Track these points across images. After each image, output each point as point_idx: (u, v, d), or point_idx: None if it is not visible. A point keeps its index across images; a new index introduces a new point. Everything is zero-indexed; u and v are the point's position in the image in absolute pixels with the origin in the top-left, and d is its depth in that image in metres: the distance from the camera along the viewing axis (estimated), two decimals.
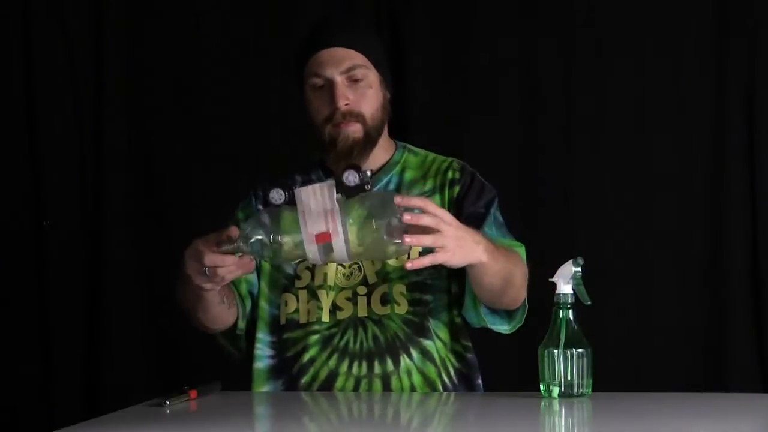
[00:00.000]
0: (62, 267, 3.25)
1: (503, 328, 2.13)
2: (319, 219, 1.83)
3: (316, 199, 1.83)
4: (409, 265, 1.86)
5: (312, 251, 1.84)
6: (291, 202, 1.86)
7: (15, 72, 3.26)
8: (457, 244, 1.85)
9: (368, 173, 1.89)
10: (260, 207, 2.19)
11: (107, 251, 3.24)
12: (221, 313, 2.12)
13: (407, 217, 1.81)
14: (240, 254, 1.89)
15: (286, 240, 1.85)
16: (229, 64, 3.24)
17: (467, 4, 3.19)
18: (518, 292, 2.06)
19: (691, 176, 3.11)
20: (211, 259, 1.89)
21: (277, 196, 1.86)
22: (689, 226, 3.10)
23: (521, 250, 2.10)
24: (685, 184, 3.11)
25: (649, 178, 3.12)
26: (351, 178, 1.87)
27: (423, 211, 1.84)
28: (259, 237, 1.85)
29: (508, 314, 2.11)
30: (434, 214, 1.84)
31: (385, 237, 1.82)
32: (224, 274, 1.91)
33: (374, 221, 1.83)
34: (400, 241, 1.82)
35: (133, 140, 3.27)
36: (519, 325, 2.12)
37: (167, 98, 3.26)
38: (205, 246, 1.90)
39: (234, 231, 1.88)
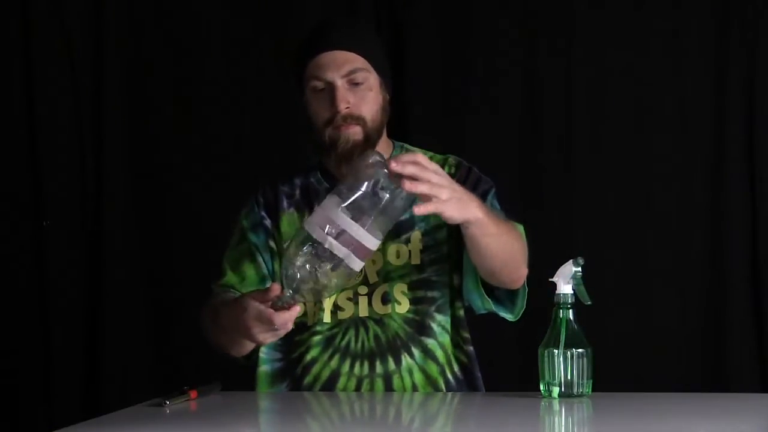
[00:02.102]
0: (62, 267, 3.25)
1: (508, 315, 2.12)
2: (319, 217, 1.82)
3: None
4: (416, 210, 1.80)
5: (325, 239, 1.81)
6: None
7: (15, 72, 3.26)
8: (453, 196, 1.82)
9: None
10: (263, 214, 2.20)
11: (107, 251, 3.24)
12: (250, 346, 2.12)
13: (407, 185, 1.78)
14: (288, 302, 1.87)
15: (330, 278, 1.84)
16: (229, 65, 3.25)
17: (467, 4, 3.19)
18: (518, 267, 2.03)
19: (691, 176, 3.11)
20: (282, 318, 1.85)
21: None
22: (689, 226, 3.11)
23: (520, 228, 2.09)
24: (685, 184, 3.11)
25: (649, 178, 3.12)
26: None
27: (420, 164, 1.79)
28: (305, 286, 1.84)
29: (510, 299, 2.10)
30: (427, 177, 1.79)
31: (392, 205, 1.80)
32: (289, 327, 1.89)
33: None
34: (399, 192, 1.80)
35: (133, 140, 3.27)
36: (522, 310, 2.10)
37: (167, 98, 3.26)
38: (263, 311, 1.86)
39: (276, 289, 1.86)
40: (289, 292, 1.84)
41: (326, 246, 1.80)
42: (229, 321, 1.98)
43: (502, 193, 2.21)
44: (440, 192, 1.80)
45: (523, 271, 2.05)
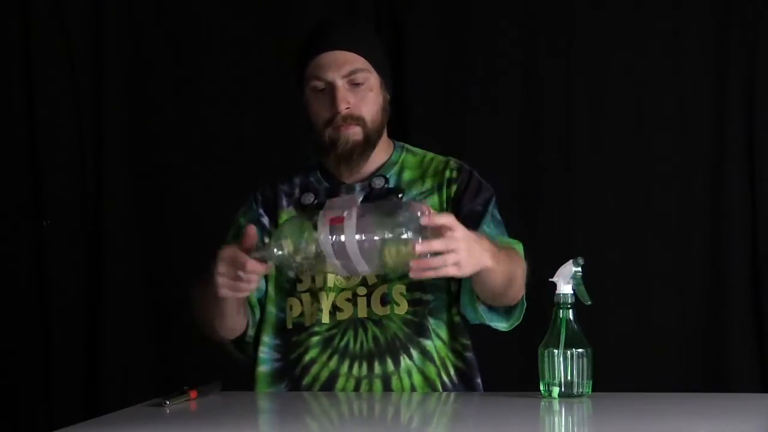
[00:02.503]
0: (62, 267, 3.25)
1: (501, 325, 2.12)
2: (337, 209, 1.85)
3: (342, 199, 1.87)
4: (413, 274, 1.86)
5: (325, 244, 1.84)
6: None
7: (15, 72, 3.26)
8: (468, 260, 1.86)
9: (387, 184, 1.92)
10: (261, 211, 2.20)
11: (107, 251, 3.24)
12: (236, 322, 2.13)
13: (420, 247, 1.82)
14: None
15: (310, 249, 1.86)
16: (229, 65, 3.25)
17: (467, 4, 3.19)
18: (518, 290, 2.06)
19: (691, 176, 3.11)
20: (252, 265, 1.90)
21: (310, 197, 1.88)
22: (689, 226, 3.11)
23: (519, 247, 2.10)
24: (685, 184, 3.11)
25: (649, 178, 3.12)
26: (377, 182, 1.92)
27: (445, 227, 1.84)
28: (285, 249, 1.87)
29: (505, 311, 2.11)
30: (450, 228, 1.84)
31: (401, 246, 1.83)
32: (251, 284, 1.93)
33: (395, 228, 1.84)
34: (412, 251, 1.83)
35: (133, 140, 3.27)
36: (517, 322, 2.12)
37: (167, 98, 3.26)
38: (238, 253, 1.91)
39: (252, 231, 1.91)
40: (266, 250, 1.87)
41: (322, 247, 1.83)
42: (206, 284, 1.99)
43: (502, 193, 2.21)
44: (459, 258, 1.84)
45: (522, 291, 2.07)
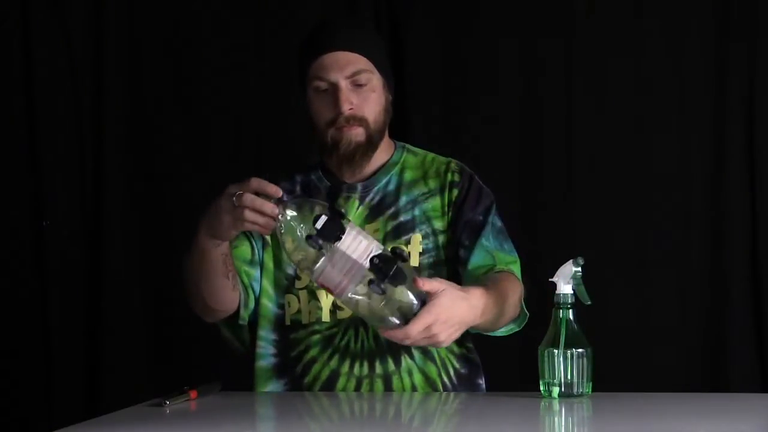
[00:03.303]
0: (62, 267, 3.25)
1: (499, 332, 2.13)
2: (336, 275, 1.86)
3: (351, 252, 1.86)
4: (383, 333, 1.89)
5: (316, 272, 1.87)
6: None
7: (15, 72, 3.26)
8: (446, 336, 1.88)
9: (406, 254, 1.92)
10: None
11: (107, 251, 3.24)
12: (224, 287, 2.09)
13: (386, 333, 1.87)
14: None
15: (309, 251, 1.87)
16: (230, 64, 3.24)
17: (467, 4, 3.19)
18: (512, 315, 2.08)
19: (691, 176, 3.11)
20: (250, 198, 1.88)
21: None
22: (689, 226, 3.11)
23: (516, 267, 2.11)
24: (685, 184, 3.11)
25: (649, 178, 3.12)
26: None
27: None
28: (296, 220, 1.87)
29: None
30: (427, 319, 1.85)
31: (392, 311, 1.86)
32: (252, 219, 1.89)
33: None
34: (396, 321, 1.86)
35: (134, 140, 3.27)
36: (517, 329, 2.13)
37: (168, 98, 3.26)
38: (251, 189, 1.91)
39: (275, 189, 1.89)
40: (282, 215, 1.87)
41: (326, 252, 1.84)
42: (195, 245, 2.00)
43: (503, 193, 2.21)
44: (440, 339, 1.87)
45: (516, 312, 2.09)
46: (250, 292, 2.17)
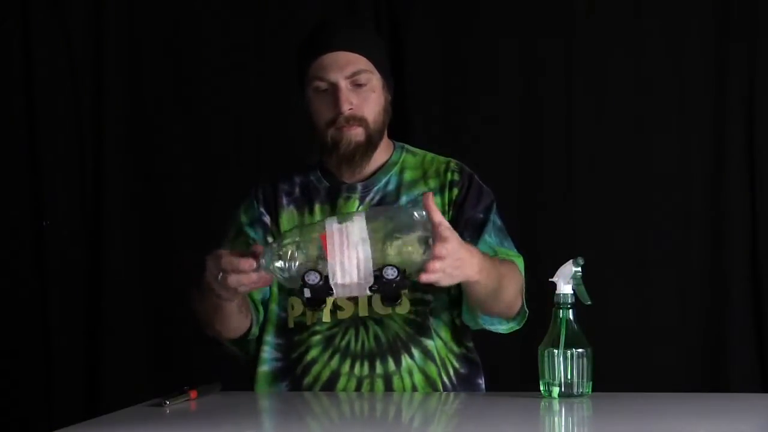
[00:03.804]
0: (62, 267, 3.25)
1: (501, 328, 2.13)
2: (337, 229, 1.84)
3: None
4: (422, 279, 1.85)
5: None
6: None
7: (15, 72, 3.26)
8: (452, 272, 1.86)
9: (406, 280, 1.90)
10: (262, 210, 2.20)
11: (107, 251, 3.24)
12: (239, 322, 2.11)
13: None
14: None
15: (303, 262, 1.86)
16: (230, 64, 3.25)
17: (467, 4, 3.19)
18: (510, 304, 2.07)
19: (691, 176, 3.11)
20: (228, 260, 1.88)
21: (314, 277, 1.85)
22: (689, 226, 3.11)
23: (519, 261, 2.11)
24: (685, 184, 3.11)
25: (649, 178, 3.12)
26: (390, 272, 1.87)
27: (435, 228, 1.84)
28: (281, 264, 1.86)
29: (505, 318, 2.11)
30: (443, 238, 1.83)
31: (410, 247, 1.84)
32: (240, 283, 1.90)
33: (400, 236, 1.84)
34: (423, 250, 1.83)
35: (134, 140, 3.27)
36: (517, 327, 2.13)
37: (167, 98, 3.26)
38: (233, 256, 1.89)
39: (258, 248, 1.88)
40: (266, 261, 1.85)
41: (327, 266, 1.83)
42: (204, 288, 1.98)
43: (503, 193, 2.21)
44: (442, 264, 1.84)
45: (517, 304, 2.08)
46: (260, 307, 2.17)
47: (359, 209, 2.15)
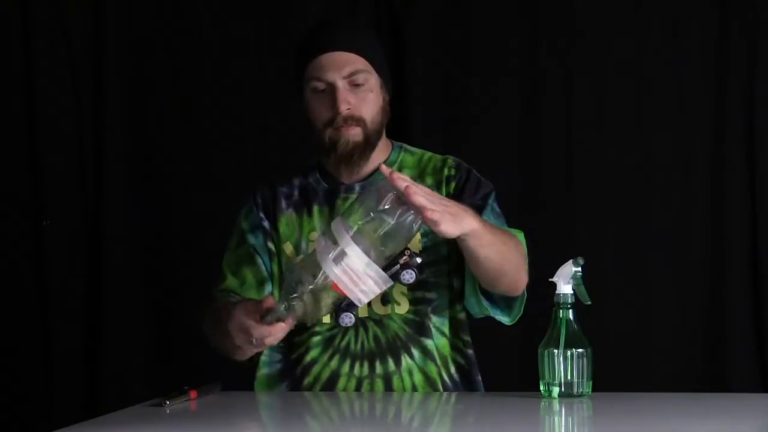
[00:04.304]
0: (62, 267, 3.25)
1: (504, 319, 2.12)
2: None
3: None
4: (384, 169, 1.81)
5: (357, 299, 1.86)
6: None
7: (15, 72, 3.26)
8: (447, 211, 1.82)
9: (418, 260, 1.99)
10: (261, 215, 2.20)
11: (107, 251, 3.24)
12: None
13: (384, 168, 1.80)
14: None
15: (325, 301, 1.87)
16: (230, 65, 3.24)
17: (467, 4, 3.19)
18: (518, 274, 2.03)
19: (691, 176, 3.11)
20: (259, 332, 1.88)
21: (348, 320, 2.05)
22: (689, 226, 3.11)
23: (521, 236, 2.09)
24: (685, 184, 3.11)
25: (649, 177, 3.12)
26: (407, 277, 1.99)
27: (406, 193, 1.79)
28: (298, 303, 1.86)
29: (507, 305, 2.10)
30: (417, 192, 1.79)
31: (391, 219, 1.81)
32: (272, 341, 1.92)
33: (373, 215, 1.81)
34: (401, 212, 1.80)
35: (134, 140, 3.27)
36: (519, 314, 2.11)
37: (167, 98, 3.26)
38: (249, 319, 1.89)
39: (270, 302, 1.88)
40: (283, 307, 1.85)
41: (334, 281, 1.82)
42: (220, 323, 1.99)
43: (503, 193, 2.21)
44: (433, 206, 1.79)
45: (523, 278, 2.05)
46: None
47: (359, 210, 2.14)
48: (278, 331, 1.89)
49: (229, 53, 3.25)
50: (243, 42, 3.24)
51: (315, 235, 1.93)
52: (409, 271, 2.00)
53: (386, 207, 1.80)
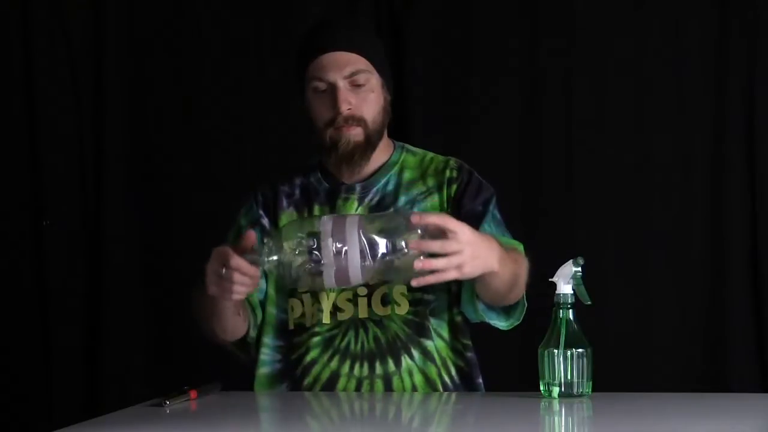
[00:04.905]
0: (62, 267, 3.25)
1: (501, 324, 2.13)
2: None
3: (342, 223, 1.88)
4: (414, 283, 1.87)
5: (328, 276, 1.87)
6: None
7: (15, 72, 3.26)
8: (472, 262, 1.87)
9: None
10: (261, 212, 2.20)
11: (107, 251, 3.24)
12: (236, 324, 2.12)
13: (421, 245, 1.85)
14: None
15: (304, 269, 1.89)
16: (230, 65, 3.25)
17: (467, 4, 3.19)
18: (520, 291, 2.07)
19: (691, 176, 3.11)
20: (236, 261, 1.90)
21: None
22: (689, 226, 3.11)
23: (521, 248, 2.10)
24: (685, 184, 3.11)
25: (649, 177, 3.12)
26: None
27: (441, 228, 1.85)
28: (277, 257, 1.88)
29: (505, 311, 2.11)
30: (452, 230, 1.84)
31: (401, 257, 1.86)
32: (240, 286, 1.92)
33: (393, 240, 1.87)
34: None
35: (134, 140, 3.27)
36: (517, 323, 2.12)
37: (167, 98, 3.26)
38: (228, 251, 1.92)
39: (253, 237, 1.90)
40: (264, 250, 1.88)
41: (322, 253, 1.85)
42: (202, 287, 1.99)
43: (502, 193, 2.21)
44: (462, 260, 1.85)
45: (523, 292, 2.07)
46: (258, 311, 2.18)
47: (358, 210, 2.15)
48: (249, 275, 1.90)
49: (229, 53, 3.25)
50: (243, 42, 3.25)
51: (324, 218, 1.92)
52: None
53: (404, 245, 1.86)
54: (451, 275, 1.87)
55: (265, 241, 1.92)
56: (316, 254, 1.87)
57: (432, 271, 1.86)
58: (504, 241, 2.07)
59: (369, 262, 1.87)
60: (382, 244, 1.87)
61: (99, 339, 3.24)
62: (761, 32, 3.07)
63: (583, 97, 3.14)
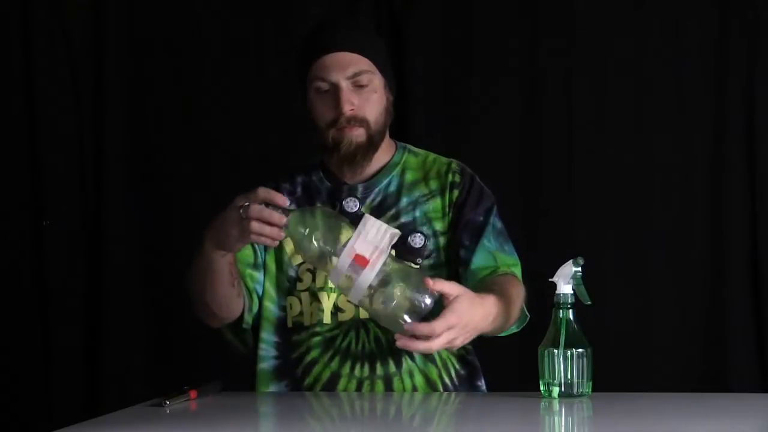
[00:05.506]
0: (62, 267, 3.25)
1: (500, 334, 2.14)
2: (369, 246, 1.87)
3: (378, 232, 1.88)
4: (398, 344, 1.89)
5: (341, 265, 1.88)
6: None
7: (15, 72, 3.26)
8: (463, 337, 1.90)
9: (427, 243, 2.11)
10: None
11: (107, 251, 3.24)
12: (231, 297, 2.10)
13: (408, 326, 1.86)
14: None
15: (325, 241, 1.90)
16: (230, 64, 3.24)
17: (467, 4, 3.19)
18: (514, 319, 2.08)
19: (691, 176, 3.11)
20: (264, 194, 1.90)
21: (353, 204, 2.12)
22: (689, 226, 3.11)
23: (517, 270, 2.12)
24: (685, 184, 3.11)
25: (649, 177, 3.12)
26: (418, 240, 2.09)
27: (446, 296, 1.88)
28: (304, 229, 1.90)
29: None
30: (452, 310, 1.86)
31: (403, 309, 1.88)
32: (259, 230, 1.90)
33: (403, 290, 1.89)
34: (409, 321, 1.88)
35: (134, 140, 3.27)
36: (515, 331, 2.13)
37: (168, 98, 3.26)
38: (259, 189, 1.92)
39: (283, 199, 1.91)
40: (289, 218, 1.89)
41: (342, 253, 1.87)
42: (201, 255, 2.02)
43: (503, 194, 2.21)
44: (456, 343, 1.89)
45: (518, 315, 2.09)
46: (254, 296, 2.17)
47: (359, 210, 2.15)
48: (271, 222, 1.89)
49: (229, 53, 3.25)
50: (243, 42, 3.25)
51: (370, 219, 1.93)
52: (419, 234, 2.10)
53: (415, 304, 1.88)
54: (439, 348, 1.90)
55: (300, 210, 1.93)
56: (335, 249, 1.88)
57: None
58: (501, 261, 2.08)
59: (371, 292, 1.88)
60: (391, 288, 1.88)
61: (99, 339, 3.24)
62: (761, 32, 3.07)
63: (583, 97, 3.14)
